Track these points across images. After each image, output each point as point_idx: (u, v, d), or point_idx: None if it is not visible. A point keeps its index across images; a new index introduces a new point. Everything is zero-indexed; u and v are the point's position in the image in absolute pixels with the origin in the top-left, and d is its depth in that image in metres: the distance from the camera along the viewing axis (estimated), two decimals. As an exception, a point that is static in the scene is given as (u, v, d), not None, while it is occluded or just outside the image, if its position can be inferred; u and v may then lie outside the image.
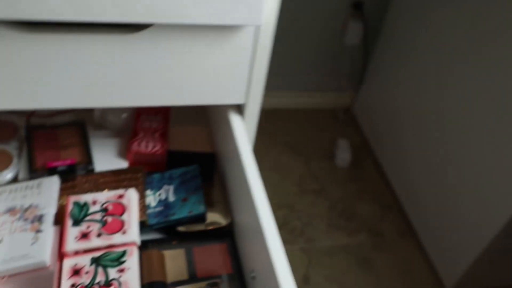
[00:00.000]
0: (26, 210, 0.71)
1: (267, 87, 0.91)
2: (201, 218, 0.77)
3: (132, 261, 0.66)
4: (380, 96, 1.78)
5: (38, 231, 0.67)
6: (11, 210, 0.71)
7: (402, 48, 1.62)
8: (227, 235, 0.78)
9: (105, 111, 0.91)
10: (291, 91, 1.89)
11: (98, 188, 0.78)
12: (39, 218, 0.69)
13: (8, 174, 0.78)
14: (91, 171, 0.80)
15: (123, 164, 0.84)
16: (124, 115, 0.91)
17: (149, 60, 0.64)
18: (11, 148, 0.82)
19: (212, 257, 0.75)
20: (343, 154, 1.74)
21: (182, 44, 0.63)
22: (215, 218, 0.78)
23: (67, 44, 0.60)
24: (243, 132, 0.74)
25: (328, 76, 1.91)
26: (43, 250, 0.65)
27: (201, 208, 0.76)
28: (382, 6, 1.71)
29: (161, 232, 0.77)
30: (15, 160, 0.80)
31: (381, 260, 1.48)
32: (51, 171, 0.78)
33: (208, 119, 0.97)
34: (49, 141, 0.84)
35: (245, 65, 0.68)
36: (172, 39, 0.63)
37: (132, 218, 0.71)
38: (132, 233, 0.69)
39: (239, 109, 0.78)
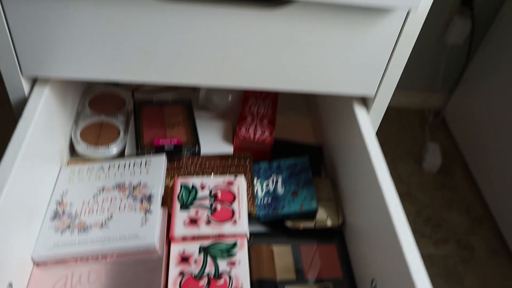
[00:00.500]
0: (135, 188, 0.68)
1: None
2: (312, 215, 0.71)
3: (243, 255, 0.62)
4: (475, 100, 1.65)
5: (147, 211, 0.64)
6: (120, 186, 0.68)
7: (508, 52, 1.48)
8: (337, 236, 0.72)
9: (210, 92, 0.87)
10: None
11: (204, 171, 0.74)
12: (148, 198, 0.66)
13: (115, 148, 0.76)
14: (197, 153, 0.76)
15: (227, 148, 0.80)
16: (230, 98, 0.87)
17: (284, 40, 0.58)
18: (118, 122, 0.80)
19: (320, 258, 0.69)
20: (433, 159, 1.62)
21: (323, 25, 0.57)
22: (324, 216, 0.72)
23: (204, 16, 0.56)
24: (369, 127, 0.67)
25: (421, 75, 1.79)
26: (153, 233, 0.62)
27: (313, 205, 0.71)
28: (494, 5, 1.57)
29: (267, 225, 0.72)
30: (121, 135, 0.78)
31: (470, 276, 1.37)
32: (158, 149, 0.75)
33: (316, 109, 0.91)
34: (156, 118, 0.81)
35: (385, 54, 0.61)
36: (313, 18, 0.57)
37: (242, 208, 0.67)
38: (243, 224, 0.65)
39: (364, 102, 0.71)
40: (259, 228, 0.72)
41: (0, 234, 0.51)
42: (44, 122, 0.63)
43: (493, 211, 1.52)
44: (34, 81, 0.64)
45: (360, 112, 0.69)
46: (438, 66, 1.75)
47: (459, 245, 1.44)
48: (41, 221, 0.64)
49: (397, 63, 0.63)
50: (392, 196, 0.57)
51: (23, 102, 0.62)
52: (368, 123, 0.68)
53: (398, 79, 0.64)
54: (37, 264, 0.61)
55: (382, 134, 1.72)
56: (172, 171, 0.74)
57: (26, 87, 0.62)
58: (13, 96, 0.62)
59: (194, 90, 0.92)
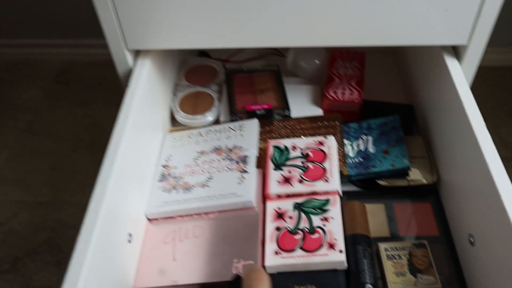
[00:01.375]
0: (230, 150, 0.73)
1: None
2: (404, 173, 0.71)
3: (336, 211, 0.64)
4: None
5: (243, 171, 0.69)
6: (217, 150, 0.73)
7: None
8: (431, 194, 0.71)
9: (297, 57, 0.89)
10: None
11: (295, 134, 0.77)
12: (243, 159, 0.70)
13: (211, 116, 0.81)
14: (287, 117, 0.79)
15: (316, 111, 0.82)
16: (317, 62, 0.88)
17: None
18: (212, 91, 0.85)
19: (414, 216, 0.69)
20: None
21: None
22: (418, 174, 0.71)
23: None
24: (462, 79, 0.65)
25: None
26: (250, 190, 0.66)
27: (405, 162, 0.70)
28: None
29: (358, 184, 0.74)
30: (216, 103, 0.83)
31: None
32: (250, 114, 0.78)
33: (405, 67, 0.89)
34: (247, 86, 0.85)
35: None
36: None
37: (334, 166, 0.68)
38: (335, 182, 0.66)
39: (455, 52, 0.68)
40: (350, 188, 0.73)
41: (118, 192, 0.57)
42: (148, 91, 0.70)
43: None
44: (136, 54, 0.71)
45: (451, 63, 0.67)
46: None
47: None
48: (150, 182, 0.71)
49: (492, 3, 0.59)
50: (490, 149, 0.56)
51: (128, 73, 0.69)
52: (460, 74, 0.65)
53: (493, 23, 0.61)
54: (149, 220, 0.68)
55: (480, 95, 1.61)
56: (264, 135, 0.77)
57: (130, 59, 0.68)
58: (119, 68, 0.69)
59: (282, 56, 0.95)
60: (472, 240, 0.59)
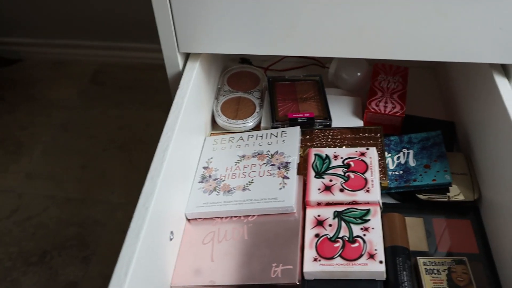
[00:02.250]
0: (272, 156, 0.73)
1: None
2: (445, 188, 0.70)
3: (376, 221, 0.64)
4: None
5: (284, 177, 0.69)
6: (259, 155, 0.74)
7: None
8: (471, 211, 0.70)
9: (340, 69, 0.90)
10: None
11: (335, 144, 0.77)
12: (285, 165, 0.71)
13: (252, 122, 0.82)
14: (328, 126, 0.80)
15: (357, 123, 0.82)
16: (359, 74, 0.89)
17: (422, 5, 0.59)
18: (254, 97, 0.86)
19: (454, 232, 0.69)
20: None
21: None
22: (459, 191, 0.71)
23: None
24: (511, 97, 0.64)
25: None
26: (291, 196, 0.66)
27: (447, 178, 0.70)
28: None
29: (396, 197, 0.73)
30: (257, 109, 0.84)
31: None
32: (292, 122, 0.79)
33: (448, 84, 0.89)
34: (289, 94, 0.86)
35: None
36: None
37: (375, 177, 0.68)
38: (376, 193, 0.66)
39: (504, 70, 0.68)
40: (389, 200, 0.73)
41: (164, 192, 0.58)
42: (195, 94, 0.71)
43: None
44: (186, 57, 0.72)
45: (500, 81, 0.67)
46: None
47: None
48: (191, 183, 0.72)
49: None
50: None
51: (177, 75, 0.71)
52: (510, 93, 0.65)
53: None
54: (188, 220, 0.69)
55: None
56: (305, 143, 0.78)
57: (180, 62, 0.70)
58: (170, 70, 0.71)
59: (323, 67, 0.95)
60: (516, 260, 0.58)
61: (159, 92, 1.69)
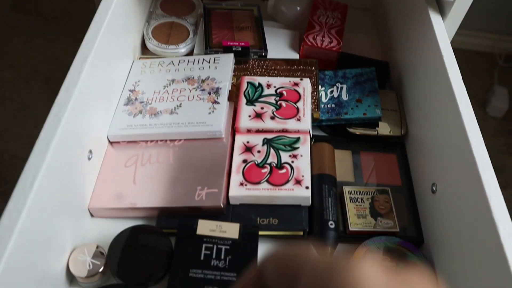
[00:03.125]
0: (203, 81, 0.70)
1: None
2: (374, 123, 0.71)
3: (305, 149, 0.63)
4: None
5: (214, 102, 0.67)
6: (189, 79, 0.71)
7: None
8: (398, 146, 0.72)
9: (279, 2, 0.86)
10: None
11: (270, 74, 0.75)
12: (216, 91, 0.68)
13: (184, 48, 0.78)
14: (263, 57, 0.77)
15: (293, 56, 0.80)
16: (298, 8, 0.86)
17: None
18: (188, 23, 0.82)
19: (380, 165, 0.70)
20: (498, 102, 1.55)
21: None
22: (387, 127, 0.72)
23: None
24: (445, 36, 0.65)
25: (492, 16, 1.68)
26: (219, 121, 0.64)
27: (377, 112, 0.70)
28: None
29: (327, 130, 0.73)
30: (191, 35, 0.80)
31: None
32: (226, 49, 0.76)
33: (386, 25, 0.89)
34: (225, 22, 0.82)
35: None
36: None
37: (307, 107, 0.67)
38: (306, 122, 0.66)
39: (440, 8, 0.68)
40: (320, 133, 0.73)
41: (81, 107, 0.54)
42: (122, 9, 0.65)
43: (558, 160, 1.45)
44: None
45: (435, 18, 0.67)
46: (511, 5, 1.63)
47: (517, 191, 1.40)
48: (115, 106, 0.68)
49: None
50: (466, 107, 0.56)
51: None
52: (443, 30, 0.65)
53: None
54: (111, 142, 0.65)
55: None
56: (238, 72, 0.75)
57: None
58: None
59: (263, 0, 0.92)
60: (434, 189, 0.60)
61: (90, 23, 1.58)
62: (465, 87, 0.58)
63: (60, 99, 0.50)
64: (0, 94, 1.38)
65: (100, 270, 0.53)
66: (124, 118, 0.66)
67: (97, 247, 0.55)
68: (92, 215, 0.60)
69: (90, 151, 0.58)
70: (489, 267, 0.46)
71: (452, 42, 0.65)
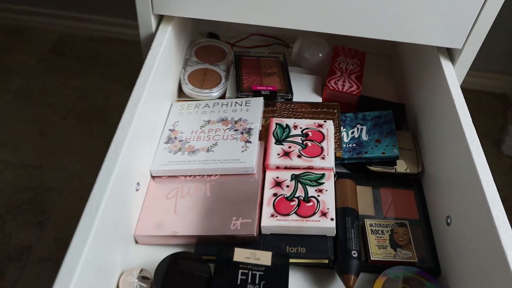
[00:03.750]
0: (236, 122, 0.77)
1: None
2: (392, 161, 0.77)
3: (329, 184, 0.69)
4: None
5: (247, 141, 0.74)
6: (223, 120, 0.78)
7: None
8: (414, 183, 0.77)
9: (302, 49, 0.95)
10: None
11: (296, 116, 0.82)
12: (248, 131, 0.75)
13: (217, 92, 0.86)
14: (289, 100, 0.85)
15: (317, 99, 0.87)
16: (320, 55, 0.94)
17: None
18: (220, 69, 0.90)
19: (398, 200, 0.75)
20: (512, 141, 1.60)
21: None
22: (405, 164, 0.78)
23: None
24: (455, 80, 0.71)
25: (505, 56, 1.75)
26: (252, 158, 0.71)
27: (394, 151, 0.77)
28: None
29: (349, 167, 0.79)
30: (223, 80, 0.88)
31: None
32: (256, 93, 0.83)
33: (400, 68, 0.96)
34: (254, 68, 0.90)
35: (477, 2, 0.66)
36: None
37: (330, 146, 0.74)
38: (330, 160, 0.72)
39: (450, 55, 0.76)
40: (343, 170, 0.79)
41: (133, 144, 0.61)
42: (165, 57, 0.74)
43: None
44: (159, 20, 0.75)
45: (445, 64, 0.74)
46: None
47: (533, 228, 1.43)
48: (156, 143, 0.75)
49: (488, 12, 0.67)
50: (476, 146, 0.62)
51: (150, 37, 0.73)
52: (453, 75, 0.72)
53: (487, 30, 0.68)
54: (153, 177, 0.72)
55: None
56: (268, 114, 0.82)
57: (153, 23, 0.73)
58: (142, 32, 0.73)
59: (286, 47, 1.00)
60: (449, 221, 0.65)
61: (119, 66, 1.69)
62: (480, 126, 0.64)
63: (117, 137, 0.58)
64: (39, 129, 1.47)
65: (146, 291, 0.59)
66: (165, 155, 0.73)
67: (141, 270, 0.61)
68: (137, 242, 0.67)
69: (138, 183, 0.65)
70: (500, 293, 0.51)
71: (466, 83, 0.71)
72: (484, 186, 0.57)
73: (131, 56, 1.67)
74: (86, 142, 1.46)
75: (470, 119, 0.66)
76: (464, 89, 0.72)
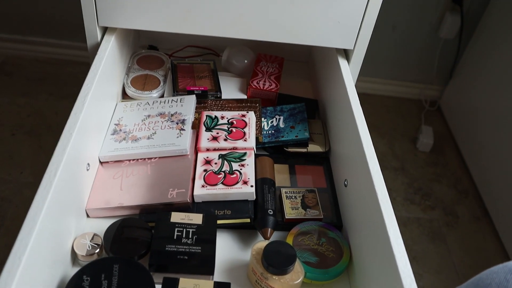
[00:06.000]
0: (172, 115, 0.91)
1: (361, 73, 1.05)
2: (305, 143, 0.93)
3: (250, 160, 0.84)
4: (467, 91, 1.85)
5: (181, 129, 0.87)
6: (161, 114, 0.92)
7: (496, 46, 1.68)
8: (324, 160, 0.94)
9: (230, 56, 1.10)
10: (381, 79, 2.01)
11: (224, 110, 0.97)
12: (182, 121, 0.89)
13: (156, 93, 0.99)
14: (219, 97, 0.99)
15: (242, 96, 1.03)
16: (246, 61, 1.10)
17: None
18: (159, 75, 1.04)
19: (310, 174, 0.91)
20: (426, 139, 1.82)
21: (312, -9, 0.80)
22: (316, 145, 0.94)
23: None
24: (349, 76, 0.89)
25: (418, 67, 1.99)
26: (185, 141, 0.85)
27: (305, 134, 0.93)
28: (482, 2, 1.78)
29: (269, 150, 0.95)
30: (161, 84, 1.02)
31: (452, 236, 1.56)
32: (189, 93, 0.98)
33: (314, 70, 1.14)
34: (188, 72, 1.05)
35: (360, 10, 0.84)
36: (305, -14, 0.80)
37: (251, 131, 0.89)
38: (251, 141, 0.87)
39: (346, 55, 0.93)
40: (264, 153, 0.94)
41: (82, 137, 0.73)
42: (110, 61, 0.87)
43: (478, 185, 1.71)
44: (104, 31, 0.88)
45: (342, 63, 0.91)
46: (433, 59, 1.95)
47: (445, 212, 1.63)
48: (104, 135, 0.88)
49: (368, 21, 0.85)
50: (363, 128, 0.78)
51: (96, 46, 0.86)
52: (348, 72, 0.90)
53: (371, 33, 0.87)
54: (101, 163, 0.84)
55: (380, 119, 1.94)
56: (200, 109, 0.97)
57: (99, 34, 0.86)
58: (90, 42, 0.86)
59: (217, 56, 1.16)
60: (346, 183, 0.81)
61: (68, 85, 1.79)
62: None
63: (71, 120, 0.70)
64: (-12, 145, 1.54)
65: (97, 251, 0.71)
66: (111, 143, 0.86)
67: (95, 234, 0.72)
68: (88, 216, 0.78)
69: (88, 164, 0.77)
70: (380, 244, 0.67)
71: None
72: (367, 156, 0.73)
73: (78, 75, 1.78)
74: (37, 155, 1.54)
75: (360, 108, 0.82)
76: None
